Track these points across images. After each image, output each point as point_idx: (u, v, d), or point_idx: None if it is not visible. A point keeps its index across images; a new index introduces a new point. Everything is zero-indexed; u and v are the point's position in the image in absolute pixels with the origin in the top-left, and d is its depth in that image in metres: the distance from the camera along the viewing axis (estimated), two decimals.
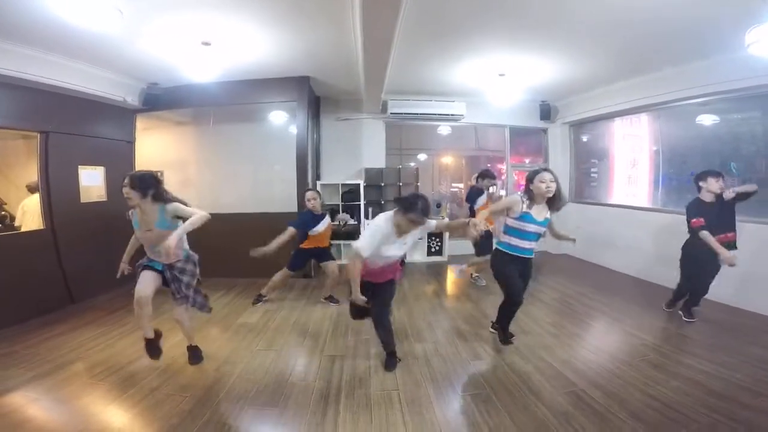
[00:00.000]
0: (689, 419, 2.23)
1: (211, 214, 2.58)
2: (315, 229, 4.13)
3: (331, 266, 4.32)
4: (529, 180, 2.89)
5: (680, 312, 3.82)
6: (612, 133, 6.47)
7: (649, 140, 5.83)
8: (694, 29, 3.62)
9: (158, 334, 2.90)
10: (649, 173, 5.79)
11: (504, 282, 3.07)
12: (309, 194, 4.15)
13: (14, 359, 3.05)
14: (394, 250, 2.66)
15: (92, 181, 4.77)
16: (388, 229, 2.59)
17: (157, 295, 2.75)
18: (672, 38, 3.86)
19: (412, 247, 2.75)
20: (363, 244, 2.56)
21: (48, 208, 4.21)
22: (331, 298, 4.46)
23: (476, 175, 5.06)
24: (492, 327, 3.47)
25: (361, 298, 2.61)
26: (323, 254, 4.35)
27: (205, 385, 2.67)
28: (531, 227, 2.88)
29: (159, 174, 5.78)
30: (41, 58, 3.84)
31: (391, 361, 2.92)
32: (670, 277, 4.78)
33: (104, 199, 4.87)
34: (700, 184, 3.60)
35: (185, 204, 2.72)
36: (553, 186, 2.78)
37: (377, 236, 2.57)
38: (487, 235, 4.51)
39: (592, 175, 7.06)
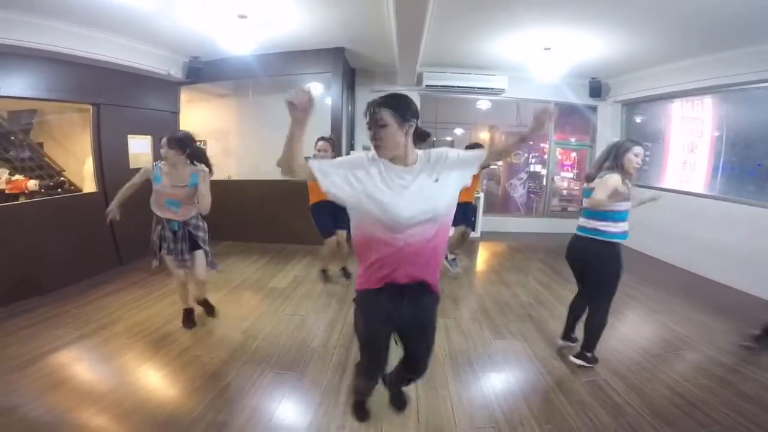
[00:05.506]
0: (711, 420, 2.14)
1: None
2: None
3: (341, 233, 3.89)
4: None
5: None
6: (669, 115, 5.96)
7: (711, 124, 5.33)
8: None
9: (192, 310, 3.22)
10: (709, 159, 5.31)
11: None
12: (320, 144, 3.57)
13: (65, 319, 3.24)
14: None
15: (141, 149, 5.05)
16: None
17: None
18: (749, 15, 3.42)
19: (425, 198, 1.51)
20: None
21: (100, 173, 4.53)
22: (344, 271, 4.35)
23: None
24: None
25: None
26: (339, 215, 3.64)
27: (230, 348, 2.83)
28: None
29: (202, 143, 6.18)
30: (90, 36, 4.01)
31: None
32: (722, 270, 4.46)
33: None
34: None
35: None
36: None
37: None
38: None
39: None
